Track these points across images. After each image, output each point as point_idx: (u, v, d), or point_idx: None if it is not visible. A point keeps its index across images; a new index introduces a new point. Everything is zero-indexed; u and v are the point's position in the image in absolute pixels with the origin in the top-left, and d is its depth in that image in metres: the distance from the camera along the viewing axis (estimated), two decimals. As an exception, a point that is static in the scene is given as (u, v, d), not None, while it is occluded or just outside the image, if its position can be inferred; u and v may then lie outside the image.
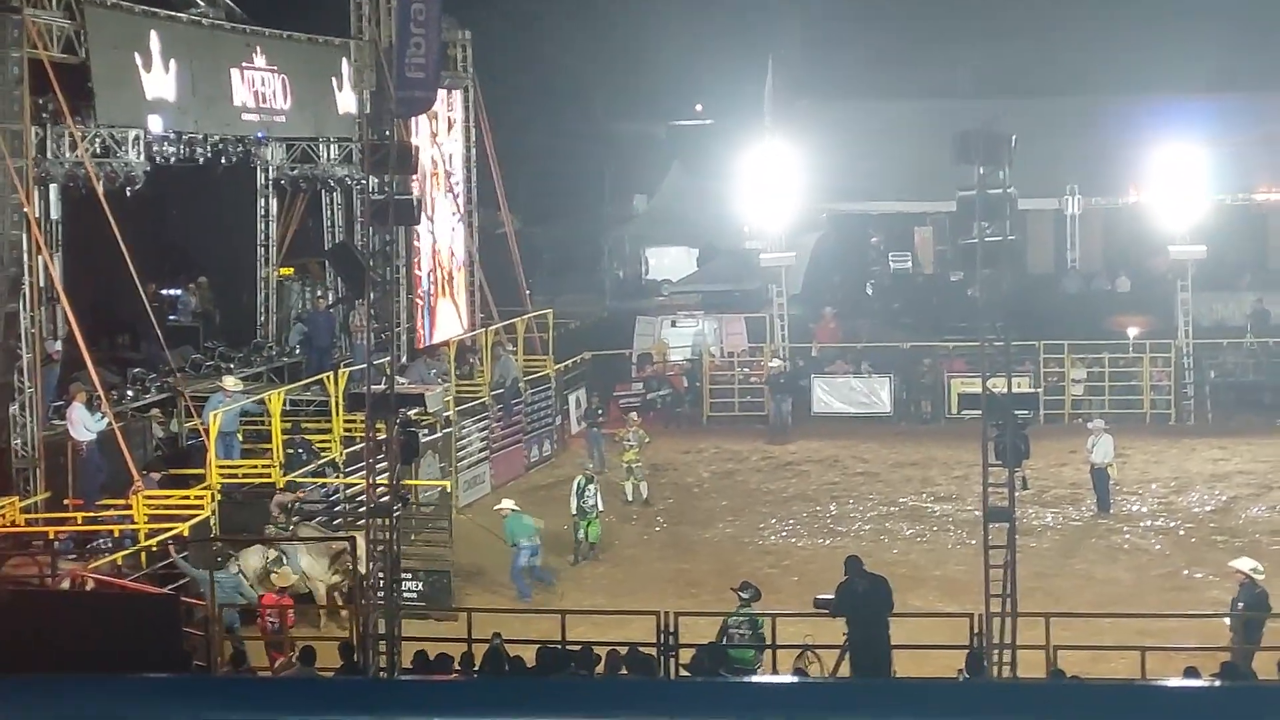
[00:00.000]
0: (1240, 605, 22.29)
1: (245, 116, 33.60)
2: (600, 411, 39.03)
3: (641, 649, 20.59)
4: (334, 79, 36.05)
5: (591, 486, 31.07)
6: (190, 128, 31.38)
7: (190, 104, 31.29)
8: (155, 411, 30.61)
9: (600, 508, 31.25)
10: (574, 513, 30.90)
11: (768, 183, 43.08)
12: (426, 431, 31.41)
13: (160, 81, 30.24)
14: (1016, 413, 22.24)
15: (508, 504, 30.04)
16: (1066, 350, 42.27)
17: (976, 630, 21.38)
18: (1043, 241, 48.78)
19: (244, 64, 33.40)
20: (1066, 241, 47.17)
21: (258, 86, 33.82)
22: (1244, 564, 23.28)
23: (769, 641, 22.13)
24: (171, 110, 30.51)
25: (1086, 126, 48.15)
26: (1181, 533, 31.71)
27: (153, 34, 30.09)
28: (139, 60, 29.62)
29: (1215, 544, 30.72)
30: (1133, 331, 43.09)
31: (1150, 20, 56.97)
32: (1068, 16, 57.46)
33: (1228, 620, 22.74)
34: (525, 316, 40.60)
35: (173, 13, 31.81)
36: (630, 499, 34.86)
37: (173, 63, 30.55)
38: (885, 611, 22.00)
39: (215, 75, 32.46)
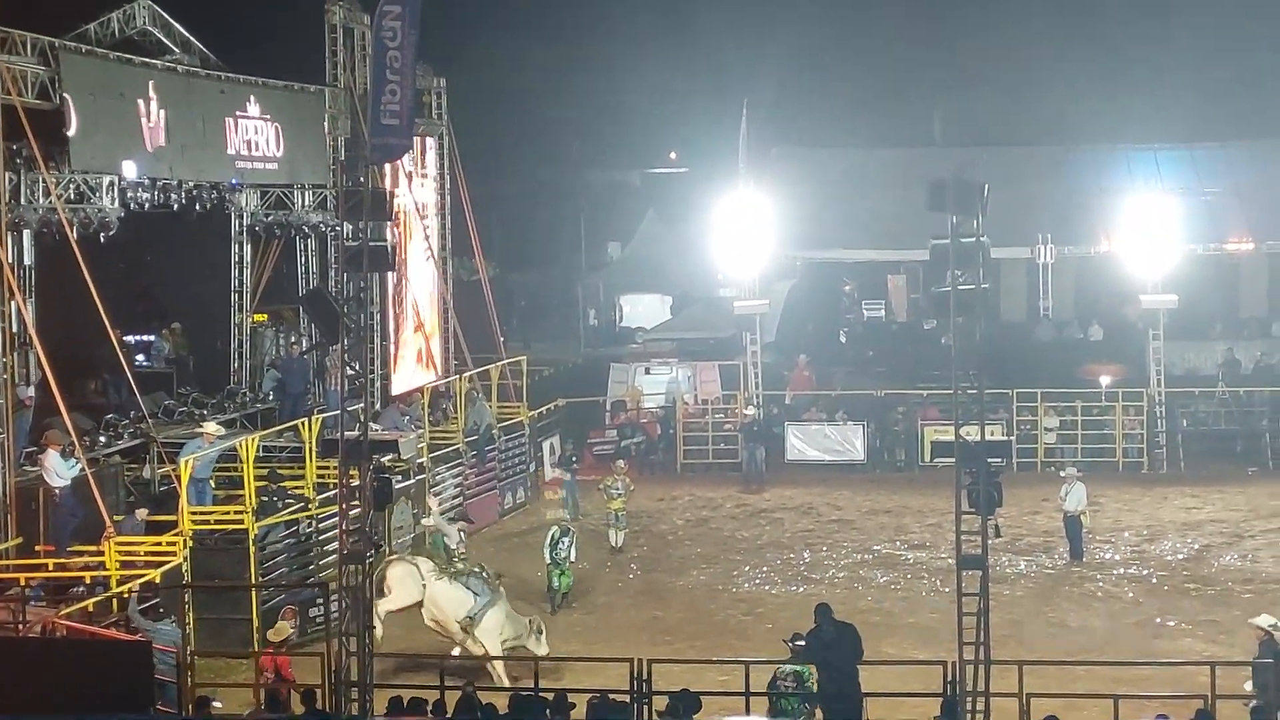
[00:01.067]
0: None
1: (238, 164, 33.99)
2: (575, 458, 39.00)
3: (615, 696, 20.52)
4: (325, 126, 36.34)
5: (566, 539, 30.90)
6: (165, 174, 31.43)
7: (166, 150, 31.37)
8: (125, 460, 30.51)
9: (573, 559, 31.07)
10: (548, 562, 30.79)
11: (741, 230, 43.20)
12: (400, 478, 31.39)
13: (139, 128, 30.32)
14: (989, 461, 22.24)
15: (433, 511, 29.85)
16: (1039, 398, 42.40)
17: (950, 678, 21.33)
18: (1016, 290, 48.94)
19: (238, 113, 33.75)
20: (1039, 290, 47.34)
21: (250, 135, 34.08)
22: (1263, 620, 22.90)
23: (816, 694, 21.64)
24: (147, 157, 30.56)
25: (1059, 176, 48.42)
26: (1154, 581, 31.73)
27: (135, 81, 30.22)
28: (118, 107, 29.67)
29: (1188, 592, 30.76)
30: (1105, 380, 43.23)
31: (1122, 71, 57.47)
32: (1040, 66, 57.85)
33: (1248, 685, 22.29)
34: (499, 363, 40.58)
35: (148, 60, 31.93)
36: (617, 546, 34.74)
37: (155, 110, 30.67)
38: (854, 659, 21.99)
39: (203, 123, 32.73)
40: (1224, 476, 40.46)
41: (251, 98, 34.56)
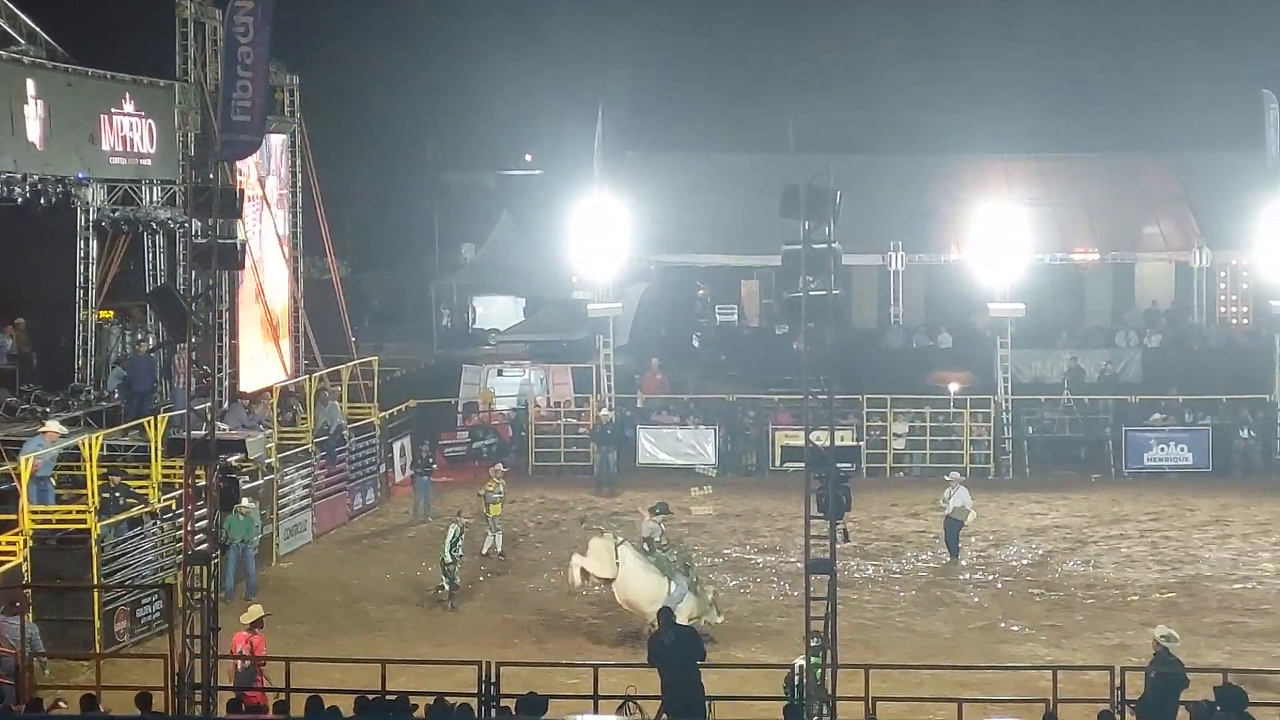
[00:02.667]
0: (1152, 675, 21.55)
1: (114, 160, 33.89)
2: (430, 460, 38.82)
3: (462, 699, 20.40)
4: (175, 121, 35.97)
5: (462, 538, 30.98)
6: (9, 168, 30.94)
7: (8, 143, 30.90)
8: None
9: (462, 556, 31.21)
10: (448, 561, 30.71)
11: (596, 233, 43.20)
12: (247, 478, 31.03)
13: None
14: (839, 465, 22.40)
15: (246, 503, 29.77)
16: (889, 404, 42.80)
17: (797, 682, 21.44)
18: (867, 297, 49.35)
19: (113, 110, 33.64)
20: (890, 297, 47.78)
21: (125, 132, 33.71)
22: (1158, 631, 23.08)
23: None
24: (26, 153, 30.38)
25: (910, 184, 48.99)
26: (999, 586, 32.11)
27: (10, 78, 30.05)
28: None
29: (1032, 597, 31.15)
30: (953, 387, 43.73)
31: (973, 83, 58.21)
32: (893, 76, 58.44)
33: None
34: (351, 363, 40.27)
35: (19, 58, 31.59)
36: (501, 552, 34.53)
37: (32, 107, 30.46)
38: (694, 661, 22.05)
39: (83, 120, 32.73)
40: (1068, 483, 41.08)
41: (127, 95, 34.24)
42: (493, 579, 32.95)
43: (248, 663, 23.20)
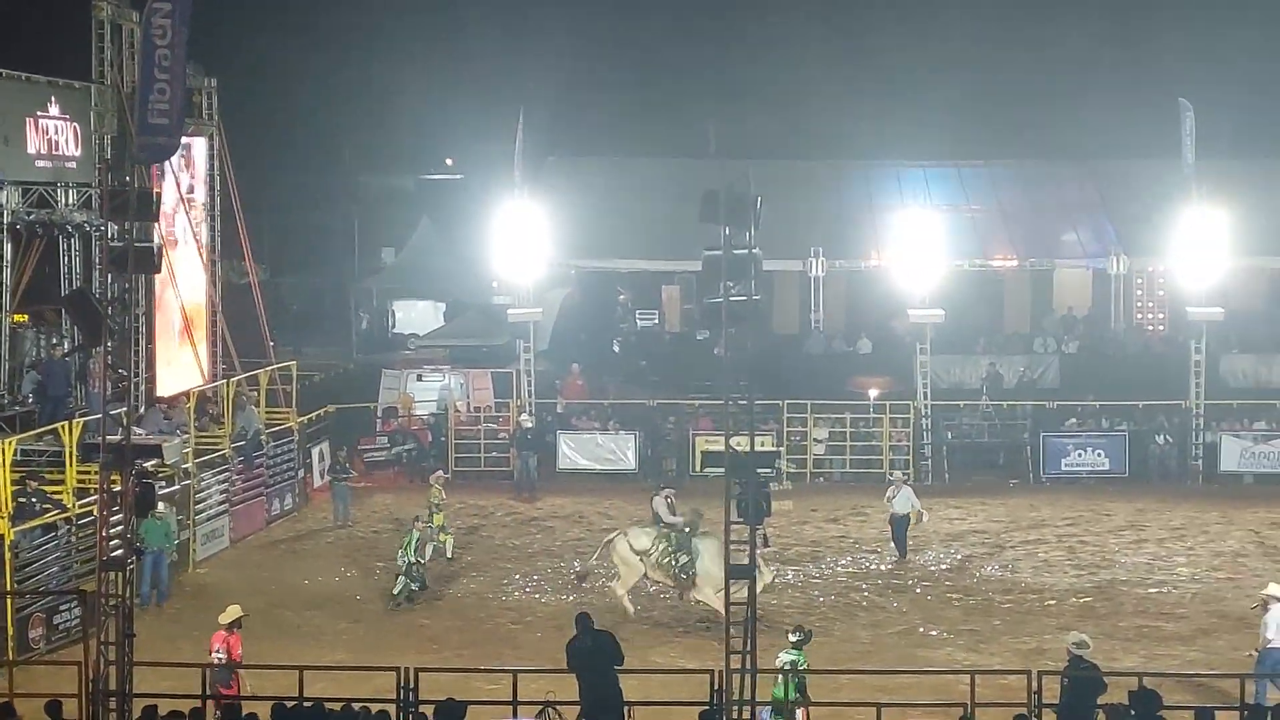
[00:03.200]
0: (1065, 681, 21.67)
1: (39, 164, 33.88)
2: (347, 466, 38.64)
3: (380, 705, 20.30)
4: (92, 123, 35.70)
5: (428, 542, 31.57)
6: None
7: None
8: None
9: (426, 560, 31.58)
10: (413, 562, 30.86)
11: (517, 238, 43.07)
12: (164, 484, 30.76)
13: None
14: (758, 471, 22.42)
15: (161, 508, 29.58)
16: (809, 410, 42.92)
17: (716, 687, 21.44)
18: (787, 302, 49.46)
19: (39, 113, 33.70)
20: (810, 302, 47.90)
21: (51, 135, 33.49)
22: (1072, 638, 23.21)
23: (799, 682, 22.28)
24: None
25: (831, 190, 49.18)
26: (918, 590, 32.25)
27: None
28: None
29: (950, 602, 31.29)
30: (873, 392, 43.88)
31: (893, 89, 58.47)
32: (813, 82, 58.58)
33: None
34: (269, 368, 40.02)
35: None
36: (449, 556, 34.42)
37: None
38: (612, 666, 22.02)
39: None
40: (986, 488, 41.32)
41: (53, 98, 33.96)
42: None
43: (223, 661, 23.35)
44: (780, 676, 22.21)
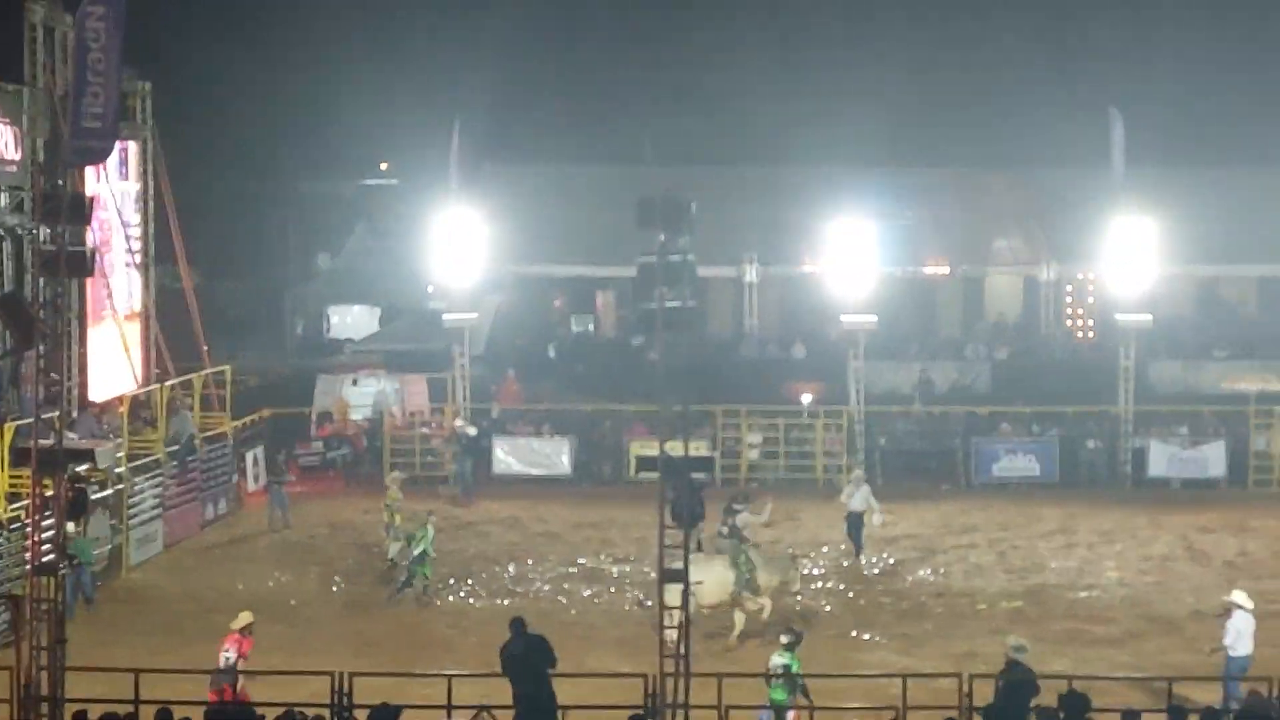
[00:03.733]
0: (999, 684, 21.89)
1: None
2: (285, 469, 38.65)
3: (315, 710, 20.33)
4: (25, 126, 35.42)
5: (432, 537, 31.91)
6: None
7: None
8: None
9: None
10: (431, 556, 31.44)
11: (453, 244, 43.09)
12: (96, 488, 30.66)
13: None
14: (693, 475, 22.55)
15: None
16: (743, 415, 43.12)
17: (650, 691, 21.56)
18: (722, 308, 49.69)
19: None
20: (745, 309, 48.13)
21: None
22: (1010, 641, 23.38)
23: (802, 684, 22.99)
24: None
25: (765, 197, 49.42)
26: (851, 595, 32.45)
27: None
28: None
29: (883, 606, 31.51)
30: (807, 398, 44.13)
31: (826, 96, 58.77)
32: (748, 89, 58.87)
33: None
34: (203, 372, 39.89)
35: None
36: (395, 559, 34.53)
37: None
38: (545, 670, 22.13)
39: None
40: (919, 493, 41.55)
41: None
42: (347, 589, 32.82)
43: (230, 661, 23.67)
44: (774, 678, 22.74)
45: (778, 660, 23.33)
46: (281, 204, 66.61)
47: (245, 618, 24.82)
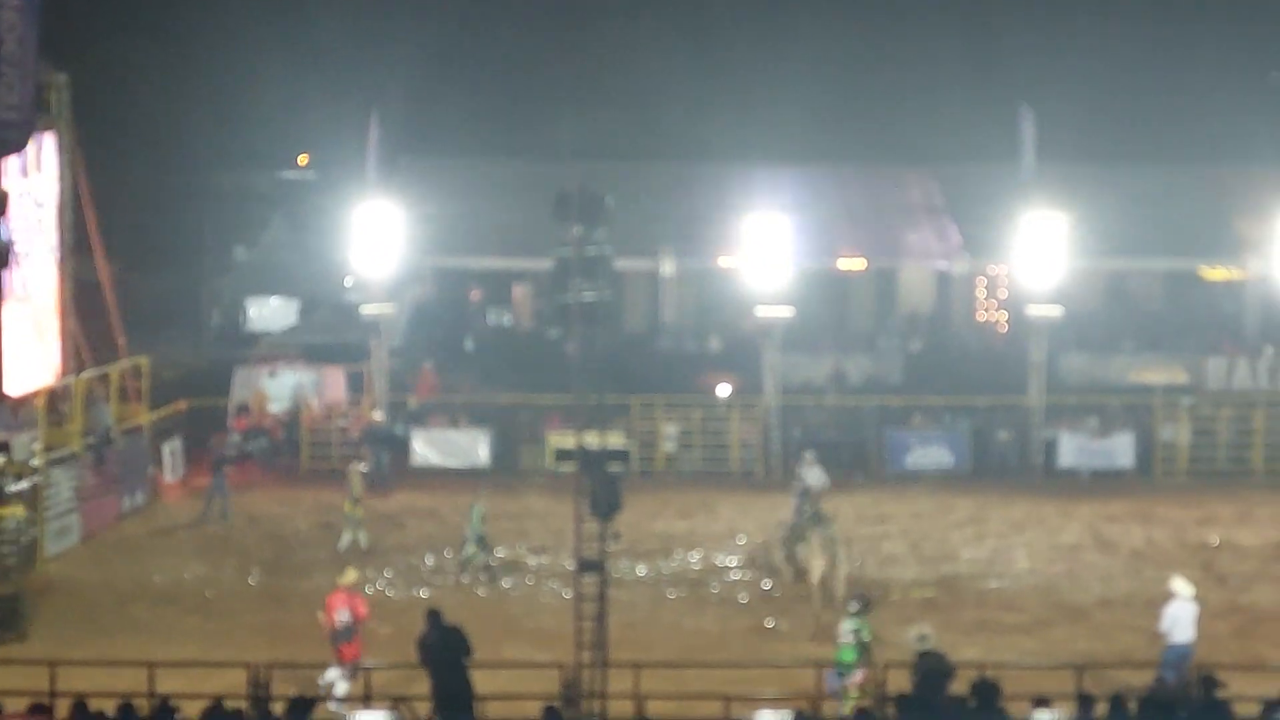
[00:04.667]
0: (917, 673, 22.04)
1: None
2: (230, 457, 38.83)
3: (233, 701, 20.45)
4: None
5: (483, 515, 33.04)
6: None
7: None
8: None
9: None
10: (475, 540, 32.50)
11: (371, 236, 43.10)
12: (13, 480, 30.62)
13: None
14: (610, 467, 22.79)
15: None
16: (659, 407, 43.39)
17: (567, 680, 21.80)
18: (638, 301, 49.93)
19: None
20: (661, 302, 48.38)
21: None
22: (912, 631, 23.67)
23: (870, 648, 24.32)
24: None
25: (682, 190, 49.66)
26: (766, 585, 32.77)
27: None
28: None
29: (798, 596, 31.81)
30: (723, 390, 44.44)
31: (742, 91, 59.14)
32: (665, 84, 59.11)
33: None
34: (120, 365, 39.79)
35: None
36: (364, 547, 34.71)
37: None
38: (461, 660, 22.34)
39: None
40: (833, 484, 41.86)
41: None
42: (264, 580, 32.90)
43: (346, 621, 24.92)
44: (844, 641, 24.15)
45: (848, 625, 24.38)
46: (199, 196, 66.21)
47: (352, 575, 26.52)
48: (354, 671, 24.57)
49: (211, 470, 38.63)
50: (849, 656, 24.14)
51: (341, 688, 24.55)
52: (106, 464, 36.97)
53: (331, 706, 23.75)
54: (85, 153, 39.90)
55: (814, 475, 35.55)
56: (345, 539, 34.93)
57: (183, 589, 31.98)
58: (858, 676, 23.95)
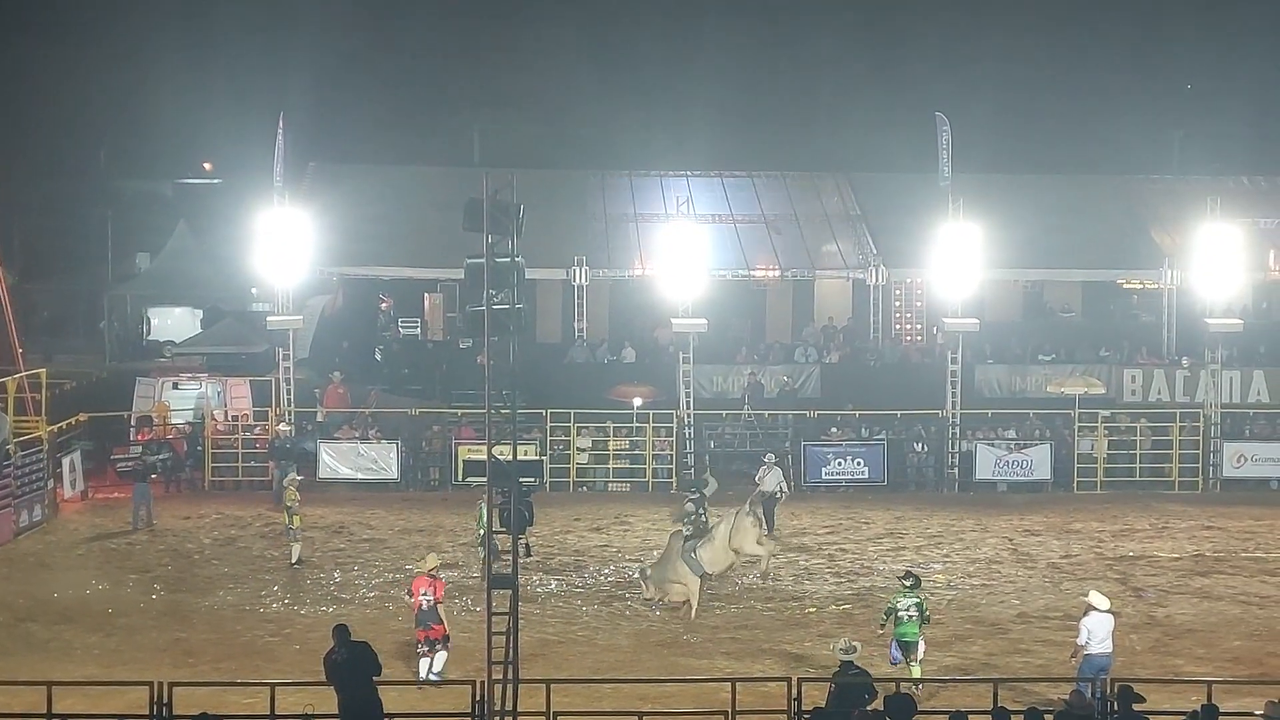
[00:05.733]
0: (833, 687, 21.77)
1: None
2: (156, 466, 38.16)
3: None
4: None
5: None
6: None
7: None
8: None
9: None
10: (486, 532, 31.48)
11: (277, 244, 42.36)
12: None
13: None
14: (521, 480, 22.32)
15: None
16: (573, 419, 42.89)
17: (478, 697, 21.30)
18: (551, 311, 49.47)
19: None
20: (574, 312, 47.91)
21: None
22: (837, 645, 23.21)
23: (929, 622, 26.26)
24: None
25: (595, 200, 49.32)
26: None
27: None
28: None
29: (712, 610, 31.37)
30: (637, 401, 44.03)
31: (656, 101, 58.96)
32: (577, 92, 58.85)
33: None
34: (17, 375, 38.91)
35: None
36: (298, 561, 34.21)
37: None
38: (369, 677, 21.78)
39: None
40: (747, 497, 41.52)
41: None
42: (166, 596, 32.14)
43: (431, 603, 25.89)
44: (904, 615, 25.70)
45: (906, 601, 25.77)
46: (98, 203, 65.26)
47: (433, 559, 27.74)
48: (446, 641, 26.09)
49: (135, 480, 38.17)
50: (912, 630, 25.61)
51: (441, 658, 25.92)
52: (2, 478, 36.03)
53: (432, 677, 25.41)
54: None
55: (772, 478, 36.99)
56: (296, 551, 34.26)
57: (83, 606, 31.16)
58: (922, 647, 25.78)
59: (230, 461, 42.75)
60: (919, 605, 25.85)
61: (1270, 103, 60.50)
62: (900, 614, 25.84)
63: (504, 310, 22.44)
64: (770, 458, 38.26)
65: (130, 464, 41.01)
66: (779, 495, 37.56)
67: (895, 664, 25.52)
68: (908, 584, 26.24)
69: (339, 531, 37.81)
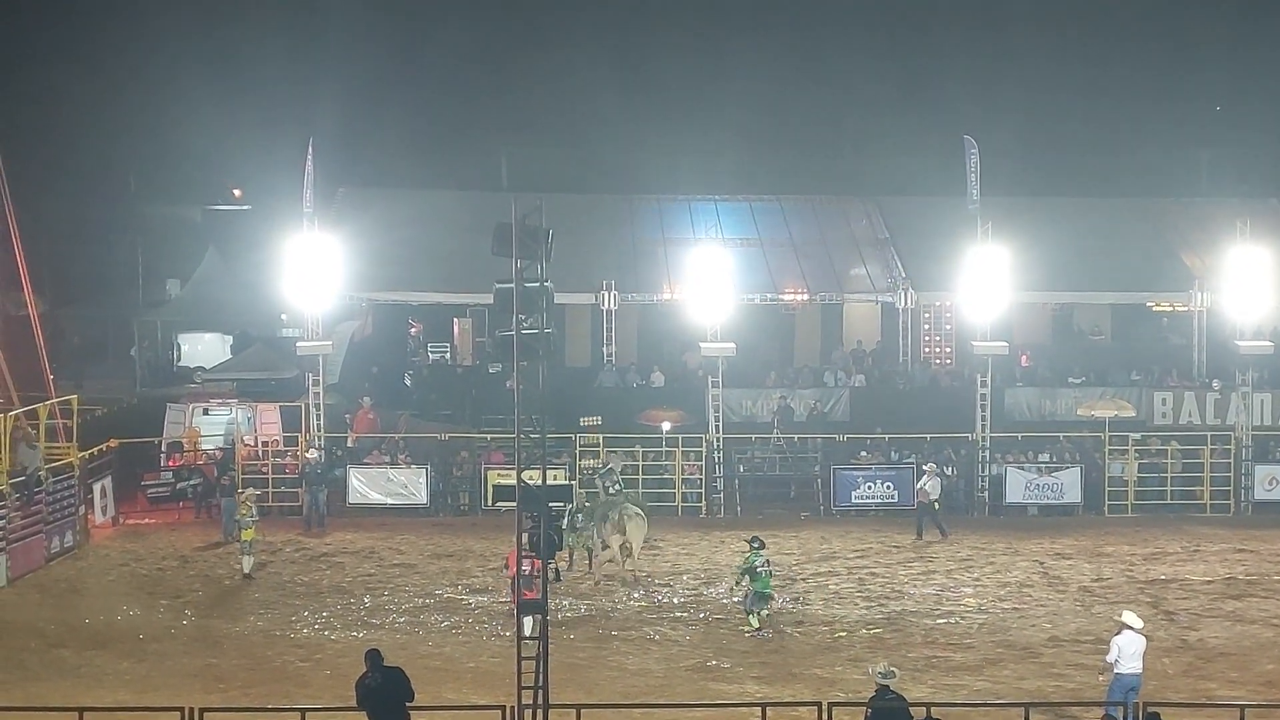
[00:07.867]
0: (869, 712, 21.39)
1: None
2: (189, 493, 38.82)
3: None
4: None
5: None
6: None
7: None
8: None
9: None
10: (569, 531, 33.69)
11: (306, 270, 42.42)
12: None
13: None
14: (551, 505, 22.29)
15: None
16: (601, 443, 42.84)
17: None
18: (580, 335, 49.49)
19: None
20: (603, 336, 47.90)
21: None
22: (876, 668, 23.15)
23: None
24: None
25: (624, 224, 49.32)
26: (710, 623, 32.27)
27: None
28: None
29: (743, 635, 31.33)
30: (666, 425, 43.94)
31: (685, 124, 58.96)
32: (605, 116, 58.87)
33: None
34: (48, 402, 39.00)
35: None
36: (248, 574, 34.66)
37: None
38: (403, 703, 21.78)
39: None
40: (778, 521, 41.51)
41: None
42: (197, 622, 32.15)
43: (526, 571, 24.79)
44: (761, 571, 30.38)
45: (759, 559, 30.69)
46: (128, 229, 65.53)
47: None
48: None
49: (221, 496, 39.40)
50: (769, 584, 30.50)
51: (529, 624, 25.22)
52: (34, 504, 36.11)
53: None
54: (12, 184, 39.18)
55: (934, 486, 40.00)
56: (248, 563, 34.99)
57: (114, 632, 31.19)
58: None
59: (261, 487, 42.78)
60: (768, 562, 30.32)
61: (1299, 124, 60.42)
62: (759, 570, 30.31)
63: (533, 335, 22.44)
64: (931, 466, 40.53)
65: (162, 489, 41.15)
66: (937, 505, 39.95)
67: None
68: (755, 545, 30.61)
69: (369, 556, 37.83)
